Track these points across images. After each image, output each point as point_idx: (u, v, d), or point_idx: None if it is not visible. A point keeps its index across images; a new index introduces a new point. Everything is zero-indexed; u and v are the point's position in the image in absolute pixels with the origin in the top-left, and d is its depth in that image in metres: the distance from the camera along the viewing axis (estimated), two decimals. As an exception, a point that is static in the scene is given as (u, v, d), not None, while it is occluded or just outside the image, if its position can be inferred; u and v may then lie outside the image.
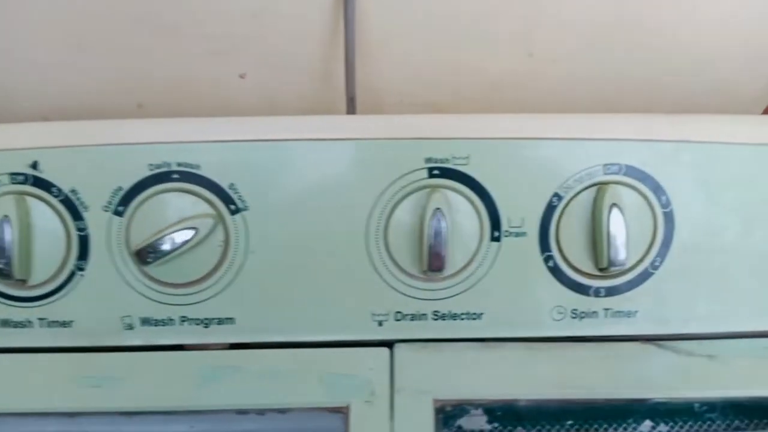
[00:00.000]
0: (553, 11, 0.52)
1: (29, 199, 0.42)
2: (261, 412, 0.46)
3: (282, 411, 0.46)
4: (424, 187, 0.43)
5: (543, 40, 0.53)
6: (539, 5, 0.51)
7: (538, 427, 0.45)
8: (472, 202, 0.44)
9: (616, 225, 0.43)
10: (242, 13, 0.50)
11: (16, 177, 0.42)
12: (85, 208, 0.42)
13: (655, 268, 0.45)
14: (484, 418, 0.46)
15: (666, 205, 0.45)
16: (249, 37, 0.51)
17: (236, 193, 0.43)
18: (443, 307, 0.46)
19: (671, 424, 0.46)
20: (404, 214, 0.44)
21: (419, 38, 0.53)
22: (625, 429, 0.45)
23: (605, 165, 0.44)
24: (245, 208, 0.43)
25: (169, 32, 0.50)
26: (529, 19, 0.52)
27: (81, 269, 0.43)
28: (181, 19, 0.49)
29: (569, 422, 0.45)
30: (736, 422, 0.46)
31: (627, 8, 0.52)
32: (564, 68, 0.55)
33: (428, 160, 0.43)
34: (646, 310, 0.46)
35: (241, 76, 0.53)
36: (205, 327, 0.45)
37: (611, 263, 0.43)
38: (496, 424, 0.46)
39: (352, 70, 0.51)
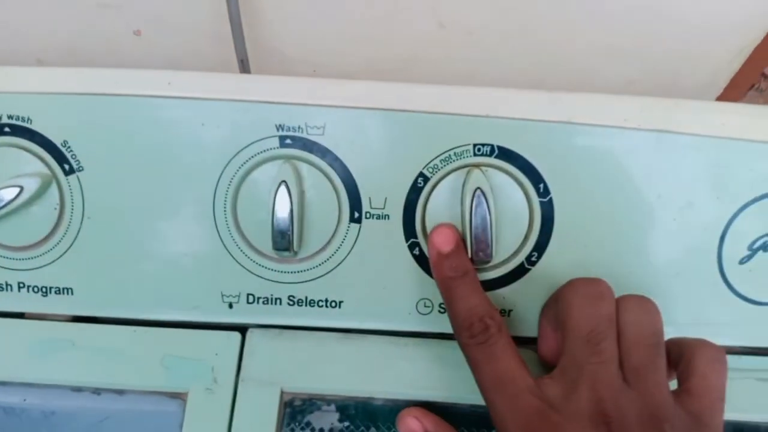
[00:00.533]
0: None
1: None
2: (97, 391, 0.43)
3: (119, 392, 0.42)
4: (276, 157, 0.40)
5: (454, 9, 0.49)
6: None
7: (394, 429, 0.41)
8: (328, 177, 0.40)
9: (482, 212, 0.38)
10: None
11: None
12: None
13: (532, 263, 0.41)
14: (336, 416, 0.42)
15: (544, 194, 0.40)
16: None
17: (70, 151, 0.40)
18: (300, 292, 0.42)
19: None
20: (253, 187, 0.40)
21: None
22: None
23: (475, 145, 0.40)
24: (80, 169, 0.40)
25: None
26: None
27: None
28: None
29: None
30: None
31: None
32: (481, 40, 0.50)
33: (279, 127, 0.39)
34: (521, 309, 0.42)
35: (136, 33, 0.51)
36: (44, 296, 0.42)
37: (476, 255, 0.39)
38: (347, 423, 0.41)
39: (239, 30, 0.47)
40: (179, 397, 0.41)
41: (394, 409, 0.41)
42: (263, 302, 0.42)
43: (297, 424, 0.41)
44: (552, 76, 0.55)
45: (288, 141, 0.40)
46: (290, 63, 0.53)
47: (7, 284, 0.42)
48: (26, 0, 0.50)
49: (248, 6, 0.48)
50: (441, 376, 0.41)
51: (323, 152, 0.40)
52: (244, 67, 0.50)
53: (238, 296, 0.42)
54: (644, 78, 0.55)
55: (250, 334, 0.43)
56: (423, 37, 0.51)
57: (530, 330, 0.42)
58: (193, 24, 0.50)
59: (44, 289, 0.42)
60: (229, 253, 0.41)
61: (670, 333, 0.37)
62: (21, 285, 0.42)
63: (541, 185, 0.40)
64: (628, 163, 0.40)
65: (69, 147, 0.40)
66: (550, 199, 0.40)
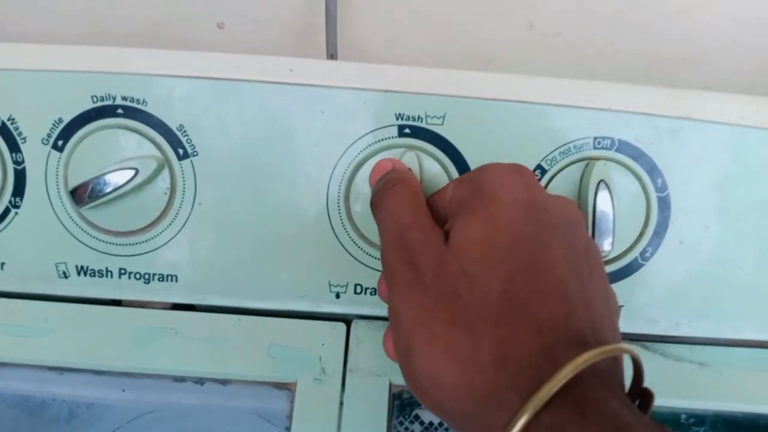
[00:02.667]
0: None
1: (-40, 123, 0.39)
2: (200, 381, 0.42)
3: (223, 382, 0.42)
4: (393, 146, 0.39)
5: (545, 10, 0.49)
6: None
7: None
8: (445, 168, 0.39)
9: (604, 205, 0.38)
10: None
11: (-53, 98, 0.38)
12: (23, 139, 0.39)
13: (646, 259, 0.41)
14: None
15: (662, 189, 0.40)
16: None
17: (185, 136, 0.39)
18: (407, 284, 0.41)
19: (653, 436, 0.41)
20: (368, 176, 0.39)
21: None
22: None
23: (596, 138, 0.39)
24: (194, 154, 0.39)
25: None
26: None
27: (16, 206, 0.40)
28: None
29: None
30: (726, 439, 0.41)
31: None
32: (566, 42, 0.50)
33: (399, 116, 0.39)
34: (633, 305, 0.41)
35: (219, 26, 0.50)
36: (146, 283, 0.41)
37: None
38: (454, 418, 0.41)
39: (334, 24, 0.47)
40: (287, 387, 0.41)
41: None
42: (371, 293, 0.41)
43: (406, 417, 0.41)
44: (633, 79, 0.54)
45: (407, 131, 0.39)
46: (371, 60, 0.52)
47: (107, 270, 0.41)
48: None
49: (341, 2, 0.48)
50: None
51: (442, 142, 0.39)
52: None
53: (346, 286, 0.41)
54: (720, 83, 0.55)
55: (355, 325, 0.42)
56: (510, 37, 0.51)
57: (642, 327, 0.41)
58: (278, 17, 0.50)
59: (146, 276, 0.41)
60: (340, 242, 0.40)
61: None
62: (123, 271, 0.41)
63: (660, 180, 0.40)
64: (745, 159, 0.40)
65: (185, 131, 0.39)
66: (668, 194, 0.40)
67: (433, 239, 0.30)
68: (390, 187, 0.34)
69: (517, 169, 0.32)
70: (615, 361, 0.27)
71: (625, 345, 0.26)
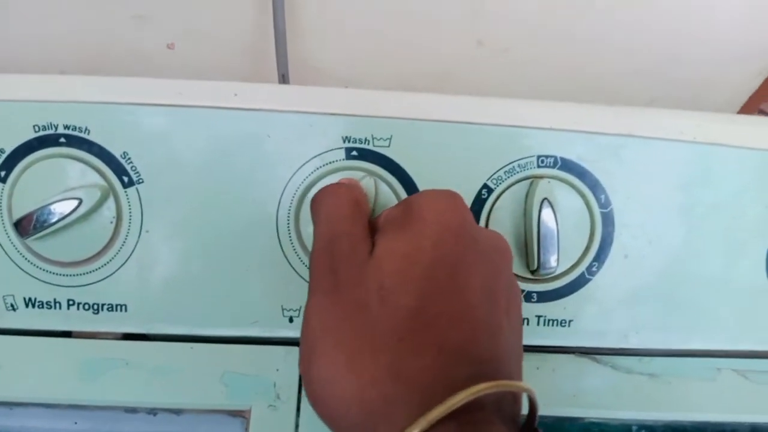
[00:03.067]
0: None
1: None
2: (152, 411, 0.41)
3: (176, 412, 0.41)
4: (340, 169, 0.39)
5: (492, 27, 0.50)
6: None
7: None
8: (393, 189, 0.40)
9: (548, 223, 0.39)
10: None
11: None
12: (-37, 171, 0.38)
13: (592, 274, 0.41)
14: None
15: (605, 205, 0.41)
16: (175, 3, 0.47)
17: (129, 163, 0.39)
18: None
19: (606, 446, 0.41)
20: (318, 199, 0.40)
21: (363, 17, 0.49)
22: (553, 450, 0.41)
23: (539, 157, 0.40)
24: (139, 181, 0.39)
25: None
26: (476, 4, 0.49)
27: (-43, 240, 0.39)
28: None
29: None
30: (677, 448, 0.42)
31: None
32: (516, 59, 0.51)
33: (346, 139, 0.39)
34: (581, 319, 0.42)
35: (169, 46, 0.50)
36: (95, 313, 0.41)
37: (541, 265, 0.39)
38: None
39: (283, 45, 0.47)
40: (241, 414, 0.41)
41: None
42: (323, 316, 0.41)
43: (361, 439, 0.41)
44: (579, 93, 0.56)
45: (354, 153, 0.39)
46: (324, 78, 0.53)
47: (55, 302, 0.41)
48: (54, 9, 0.49)
49: (290, 21, 0.48)
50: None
51: (389, 164, 0.40)
52: (285, 81, 0.50)
53: (299, 310, 0.41)
54: (665, 96, 0.56)
55: (309, 348, 0.42)
56: (460, 54, 0.52)
57: (591, 340, 0.42)
58: (229, 38, 0.50)
59: (95, 306, 0.41)
60: (291, 266, 0.40)
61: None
62: (71, 302, 0.41)
63: (603, 196, 0.40)
64: (685, 174, 0.41)
65: (129, 158, 0.39)
66: (611, 209, 0.41)
67: (360, 249, 0.30)
68: (334, 188, 0.35)
69: (450, 195, 0.32)
70: (513, 396, 0.28)
71: (523, 384, 0.27)
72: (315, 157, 0.39)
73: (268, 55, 0.49)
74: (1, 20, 0.49)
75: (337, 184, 0.36)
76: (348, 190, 0.34)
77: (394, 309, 0.27)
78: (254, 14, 0.48)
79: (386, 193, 0.40)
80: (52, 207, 0.37)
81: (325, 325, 0.28)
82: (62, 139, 0.38)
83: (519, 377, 0.30)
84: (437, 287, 0.28)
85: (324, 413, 0.28)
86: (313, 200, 0.35)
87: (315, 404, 0.28)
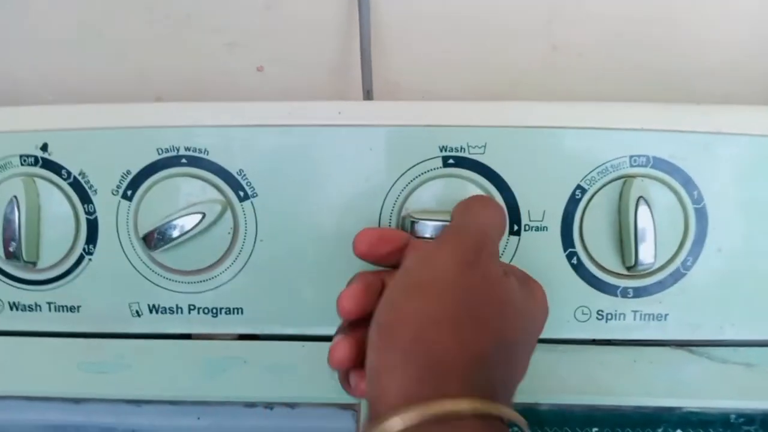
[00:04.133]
0: (576, 2, 0.50)
1: (39, 181, 0.41)
2: (269, 405, 0.44)
3: (291, 405, 0.44)
4: (439, 176, 0.42)
5: (566, 33, 0.51)
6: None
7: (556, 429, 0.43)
8: (488, 194, 0.42)
9: (644, 220, 0.40)
10: (254, 6, 0.49)
11: (26, 159, 0.41)
12: (94, 191, 0.42)
13: (687, 268, 0.42)
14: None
15: (698, 201, 0.42)
16: (263, 30, 0.50)
17: (245, 179, 0.42)
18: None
19: (704, 435, 0.43)
20: (418, 206, 0.42)
21: (438, 31, 0.51)
22: (653, 438, 0.42)
23: (632, 156, 0.41)
24: (254, 195, 0.42)
25: (181, 23, 0.50)
26: (552, 11, 0.50)
27: (89, 253, 0.43)
28: (193, 11, 0.49)
29: (594, 429, 0.43)
30: (777, 436, 0.42)
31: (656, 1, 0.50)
32: (589, 62, 0.52)
33: (443, 148, 0.41)
34: (677, 313, 0.43)
35: (259, 69, 0.53)
36: (214, 317, 0.44)
37: (639, 262, 0.40)
38: (516, 428, 0.43)
39: (369, 63, 0.50)
40: (351, 408, 0.43)
41: (561, 414, 0.43)
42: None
43: None
44: (653, 96, 0.56)
45: (451, 161, 0.41)
46: (404, 92, 0.55)
47: (177, 307, 0.44)
48: (142, 38, 0.52)
49: (374, 41, 0.50)
50: (605, 382, 0.43)
51: (485, 170, 0.41)
52: (369, 97, 0.52)
53: (401, 310, 0.44)
54: (740, 93, 0.56)
55: (412, 346, 0.45)
56: (535, 60, 0.53)
57: (687, 333, 0.43)
58: (314, 59, 0.52)
59: (214, 310, 0.44)
60: (394, 269, 0.43)
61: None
62: (192, 307, 0.44)
63: (695, 192, 0.41)
64: (776, 169, 0.42)
65: (244, 175, 0.42)
66: (704, 205, 0.42)
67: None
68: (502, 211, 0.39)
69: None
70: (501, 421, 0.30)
71: (511, 412, 0.30)
72: (414, 166, 0.42)
73: (351, 74, 0.52)
74: (103, 49, 0.52)
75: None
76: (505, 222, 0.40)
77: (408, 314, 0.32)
78: (337, 36, 0.51)
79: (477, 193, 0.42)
80: (177, 221, 0.41)
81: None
82: (183, 160, 0.41)
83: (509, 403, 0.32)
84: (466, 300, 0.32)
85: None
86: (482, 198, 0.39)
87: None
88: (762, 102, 0.55)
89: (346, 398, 0.43)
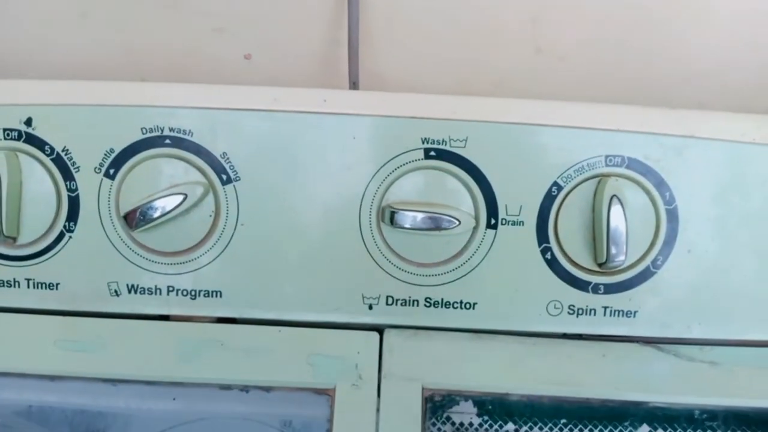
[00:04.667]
0: (561, 5, 0.51)
1: (21, 156, 0.42)
2: (245, 388, 0.45)
3: (266, 389, 0.45)
4: (420, 168, 0.42)
5: (551, 35, 0.52)
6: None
7: (530, 424, 0.44)
8: (468, 187, 0.43)
9: (617, 219, 0.41)
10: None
11: (9, 133, 0.42)
12: (77, 168, 0.42)
13: (657, 267, 0.44)
14: (474, 411, 0.44)
15: (670, 202, 0.43)
16: (252, 17, 0.51)
17: (228, 162, 0.42)
18: (436, 295, 0.44)
19: (670, 430, 0.44)
20: (398, 196, 0.43)
21: (425, 26, 0.52)
22: (620, 432, 0.44)
23: (607, 156, 0.42)
24: (237, 179, 0.42)
25: (170, 5, 0.50)
26: (537, 14, 0.51)
27: (70, 231, 0.43)
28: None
29: (563, 421, 0.44)
30: (738, 432, 0.44)
31: (638, 8, 0.51)
32: (573, 66, 0.53)
33: (425, 140, 0.42)
34: (646, 310, 0.44)
35: (246, 57, 0.53)
36: (192, 299, 0.45)
37: (610, 259, 0.42)
38: (485, 417, 0.44)
39: (356, 55, 0.50)
40: (326, 392, 0.44)
41: (530, 405, 0.44)
42: (401, 304, 0.44)
43: (438, 418, 0.44)
44: (633, 100, 0.57)
45: (432, 153, 0.42)
46: (389, 84, 0.55)
47: (156, 288, 0.44)
48: (130, 20, 0.52)
49: (362, 33, 0.51)
50: (574, 375, 0.44)
51: (465, 164, 0.42)
52: (355, 88, 0.53)
53: (378, 298, 0.44)
54: (716, 100, 0.57)
55: (388, 333, 0.45)
56: (519, 61, 0.54)
57: (655, 330, 0.44)
58: (301, 48, 0.53)
59: (193, 293, 0.44)
60: (372, 258, 0.44)
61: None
62: (171, 289, 0.44)
63: (668, 193, 0.43)
64: (745, 173, 0.43)
65: (227, 158, 0.42)
66: (676, 206, 0.43)
67: None
68: None
69: None
70: None
71: None
72: (396, 156, 0.42)
73: (338, 65, 0.52)
74: (90, 27, 0.52)
75: None
76: None
77: None
78: (325, 27, 0.51)
79: (459, 190, 0.43)
80: (158, 202, 0.41)
81: None
82: (167, 140, 0.42)
83: None
84: None
85: None
86: None
87: None
88: (735, 110, 0.56)
89: (321, 383, 0.44)
